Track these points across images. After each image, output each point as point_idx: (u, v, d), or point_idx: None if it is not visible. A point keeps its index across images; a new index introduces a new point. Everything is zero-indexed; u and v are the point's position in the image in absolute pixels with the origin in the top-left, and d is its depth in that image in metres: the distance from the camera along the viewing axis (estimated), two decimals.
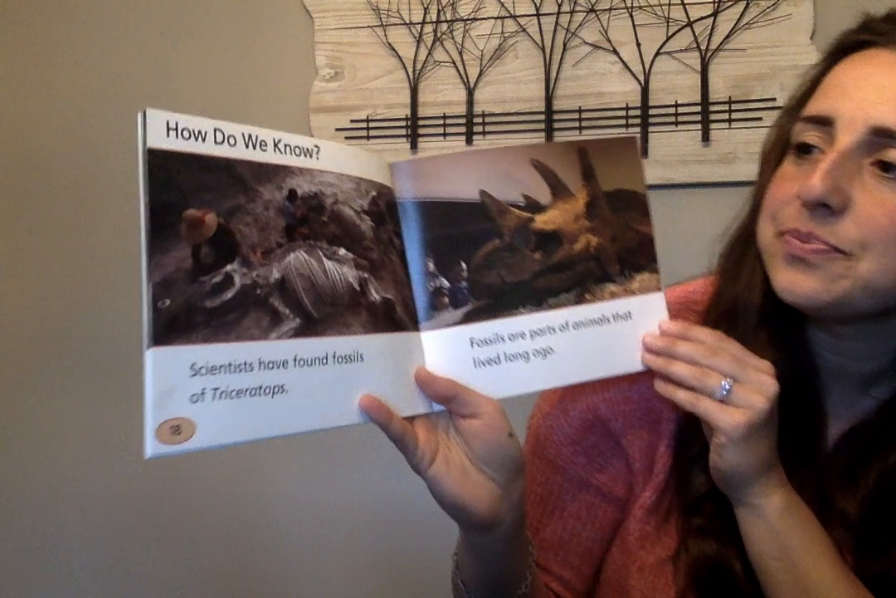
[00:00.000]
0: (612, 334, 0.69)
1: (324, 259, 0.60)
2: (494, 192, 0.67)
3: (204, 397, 0.52)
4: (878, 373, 0.74)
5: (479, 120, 1.58)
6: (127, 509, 1.70)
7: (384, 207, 0.64)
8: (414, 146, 1.60)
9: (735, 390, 0.64)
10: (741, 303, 0.74)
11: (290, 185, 0.59)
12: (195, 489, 1.67)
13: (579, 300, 0.69)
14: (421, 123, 1.60)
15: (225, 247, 0.55)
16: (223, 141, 0.56)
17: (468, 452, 0.64)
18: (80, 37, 1.73)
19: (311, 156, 0.61)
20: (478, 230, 0.66)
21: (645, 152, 1.52)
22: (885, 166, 0.65)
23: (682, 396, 0.66)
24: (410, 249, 0.65)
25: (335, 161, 0.62)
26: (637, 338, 0.70)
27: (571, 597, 0.80)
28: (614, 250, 0.71)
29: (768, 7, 1.48)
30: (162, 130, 0.54)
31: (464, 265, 0.66)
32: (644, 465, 0.78)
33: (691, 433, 0.74)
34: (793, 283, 0.67)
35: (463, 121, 1.59)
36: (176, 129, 0.54)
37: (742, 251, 0.76)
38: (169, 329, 0.51)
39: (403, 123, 1.61)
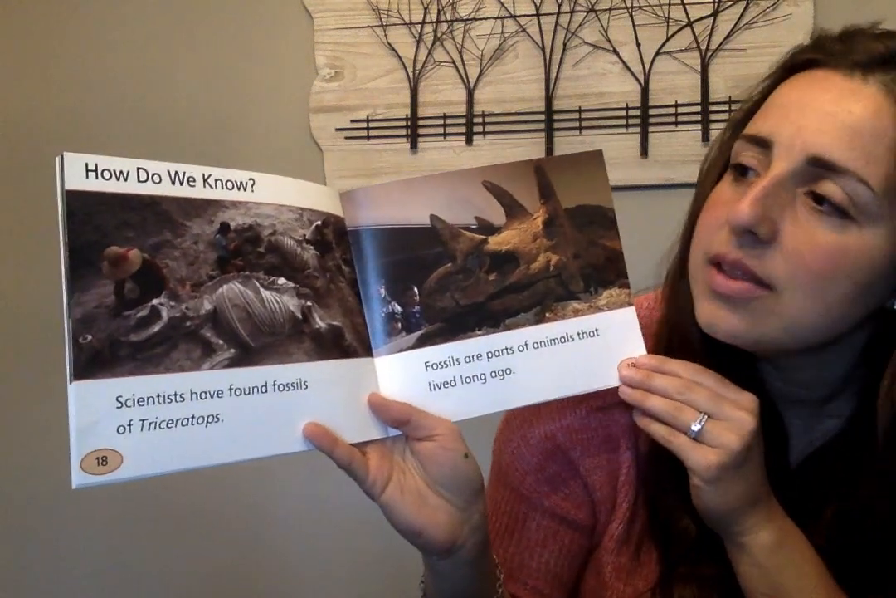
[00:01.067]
0: (579, 352, 0.69)
1: (261, 289, 0.60)
2: (446, 215, 0.67)
3: (131, 428, 0.54)
4: (829, 397, 0.72)
5: (479, 120, 1.58)
6: (127, 508, 1.70)
7: (332, 235, 0.65)
8: (414, 146, 1.60)
9: (708, 427, 0.63)
10: (681, 332, 0.71)
11: (222, 218, 0.59)
12: (195, 489, 1.67)
13: (539, 320, 0.68)
14: (421, 123, 1.60)
15: (150, 281, 0.56)
16: (147, 179, 0.57)
17: (424, 476, 0.63)
18: (80, 37, 1.74)
19: (244, 189, 0.61)
20: (429, 255, 0.67)
21: (645, 152, 1.52)
22: (818, 198, 0.62)
23: (657, 429, 0.65)
24: (362, 276, 0.65)
25: (273, 193, 0.62)
26: (608, 354, 0.69)
27: None
28: (577, 267, 0.70)
29: (768, 7, 1.48)
30: (80, 172, 0.54)
31: (416, 290, 0.66)
32: (606, 493, 0.76)
33: (653, 466, 0.73)
34: (714, 317, 0.66)
35: (463, 121, 1.58)
36: (96, 170, 0.55)
37: (676, 277, 0.73)
38: (91, 364, 0.52)
39: (403, 123, 1.61)
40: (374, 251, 0.65)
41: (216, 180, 0.60)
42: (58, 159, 0.54)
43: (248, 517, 1.68)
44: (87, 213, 0.54)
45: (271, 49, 1.67)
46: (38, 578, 1.75)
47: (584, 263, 0.70)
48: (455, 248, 0.68)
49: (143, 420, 0.54)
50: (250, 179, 0.61)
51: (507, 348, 0.67)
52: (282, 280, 0.61)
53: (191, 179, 0.59)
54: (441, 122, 1.60)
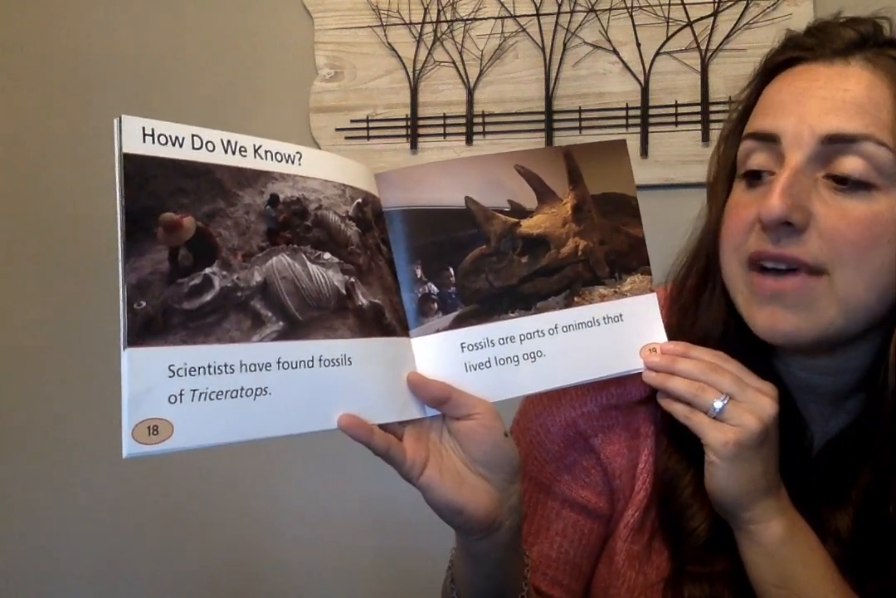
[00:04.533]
0: (604, 336, 0.70)
1: (308, 263, 0.60)
2: (480, 198, 0.68)
3: (182, 398, 0.53)
4: (847, 389, 0.73)
5: (479, 120, 1.58)
6: (126, 509, 1.70)
7: (370, 214, 0.65)
8: (414, 146, 1.60)
9: (729, 408, 0.64)
10: (703, 335, 0.73)
11: (272, 190, 0.59)
12: (195, 490, 1.67)
13: (568, 303, 0.69)
14: (421, 123, 1.60)
15: (204, 250, 0.55)
16: (201, 146, 0.57)
17: (463, 455, 0.63)
18: (80, 36, 1.73)
19: (293, 162, 0.61)
20: (464, 236, 0.67)
21: (645, 152, 1.52)
22: (839, 179, 0.64)
23: (677, 408, 0.66)
24: (398, 256, 0.65)
25: (318, 168, 0.62)
26: (631, 339, 0.70)
27: None
28: (603, 253, 0.71)
29: (768, 7, 1.48)
30: (138, 135, 0.54)
31: (451, 271, 0.66)
32: (625, 481, 0.77)
33: (670, 457, 0.74)
34: (773, 320, 0.66)
35: (463, 121, 1.58)
36: (152, 134, 0.55)
37: (700, 283, 0.74)
38: (145, 330, 0.52)
39: (403, 123, 1.60)
40: (410, 232, 0.65)
41: (266, 151, 0.60)
42: (116, 121, 0.53)
43: (248, 517, 1.68)
44: (144, 177, 0.53)
45: (271, 49, 1.66)
46: (38, 577, 1.74)
47: (610, 249, 0.71)
48: (489, 230, 0.68)
49: (194, 390, 0.53)
50: (298, 152, 0.61)
51: (538, 331, 0.68)
52: (327, 255, 0.61)
53: (242, 148, 0.58)
54: (441, 122, 1.60)
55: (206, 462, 1.65)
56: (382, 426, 0.61)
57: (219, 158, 0.57)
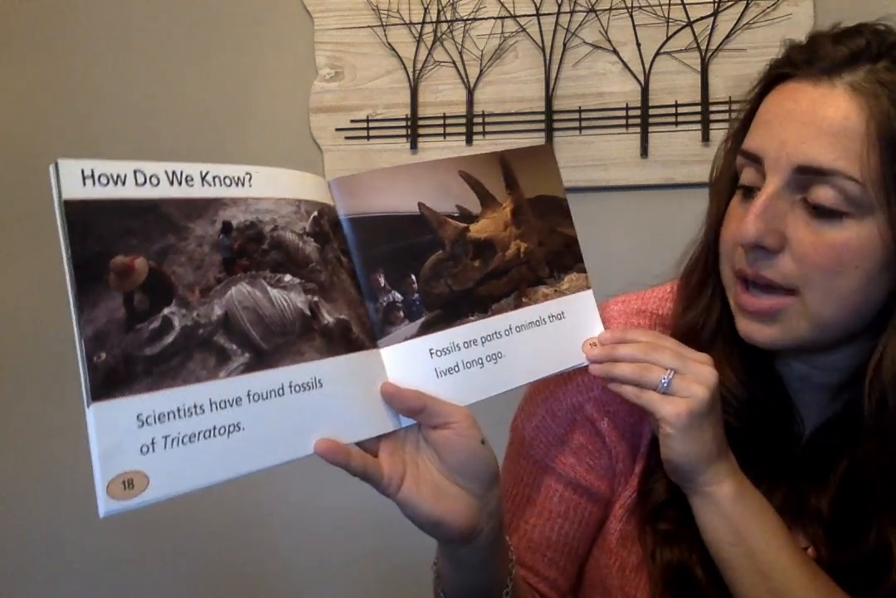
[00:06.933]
0: (550, 334, 0.72)
1: (268, 289, 0.58)
2: (431, 204, 0.68)
3: (154, 447, 0.51)
4: (841, 382, 0.75)
5: (479, 120, 1.58)
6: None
7: (328, 226, 0.63)
8: (414, 146, 1.60)
9: (676, 381, 0.67)
10: (699, 326, 0.77)
11: (224, 217, 0.57)
12: (195, 491, 1.67)
13: (518, 304, 0.71)
14: (421, 123, 1.60)
15: (160, 290, 0.53)
16: (145, 182, 0.54)
17: (440, 465, 0.63)
18: (80, 36, 1.73)
19: (242, 184, 0.59)
20: (421, 242, 0.67)
21: (645, 152, 1.52)
22: (813, 205, 0.67)
23: (626, 389, 0.69)
24: (359, 266, 0.65)
25: (270, 186, 0.60)
26: (573, 335, 0.73)
27: (556, 596, 0.81)
28: (542, 254, 0.74)
29: (768, 7, 1.47)
30: (77, 179, 0.51)
31: (413, 277, 0.66)
32: (626, 465, 0.79)
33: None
34: (751, 332, 0.72)
35: (463, 121, 1.58)
36: (92, 176, 0.52)
37: (700, 279, 0.78)
38: (108, 383, 0.50)
39: (403, 123, 1.61)
40: (368, 240, 0.65)
41: (214, 177, 0.57)
42: (52, 168, 0.51)
43: (247, 518, 1.68)
44: (88, 223, 0.51)
45: (271, 49, 1.66)
46: (38, 577, 1.75)
47: (548, 250, 0.74)
48: (443, 235, 0.69)
49: (165, 437, 0.52)
50: (247, 173, 0.59)
51: (496, 333, 0.69)
52: (287, 277, 0.60)
53: (188, 178, 0.56)
54: (441, 122, 1.60)
55: None
56: (358, 443, 0.61)
57: (165, 191, 0.55)
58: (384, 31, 1.61)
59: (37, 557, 1.74)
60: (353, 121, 1.62)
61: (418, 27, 1.59)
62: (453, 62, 1.58)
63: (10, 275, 1.76)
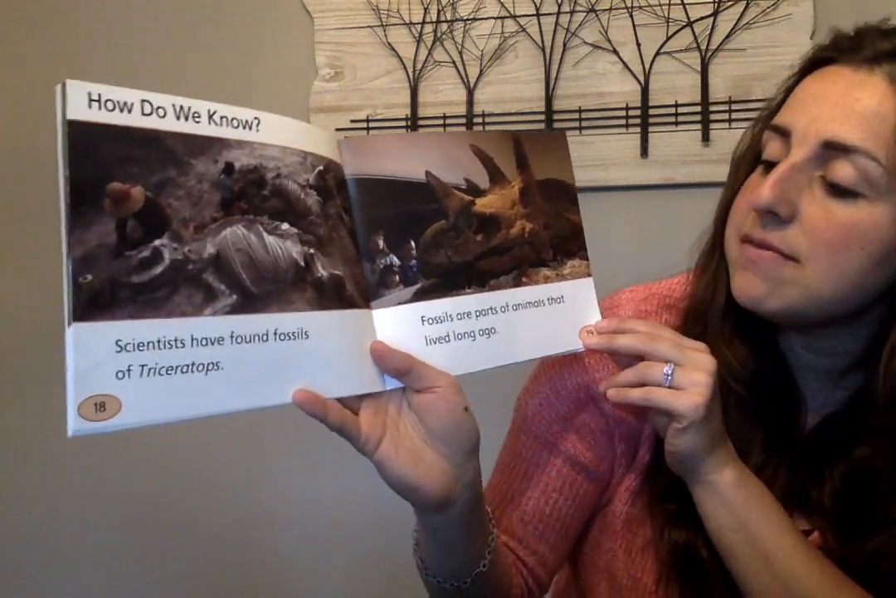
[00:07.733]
0: (547, 316, 0.72)
1: (264, 234, 0.58)
2: (439, 174, 0.68)
3: (130, 373, 0.51)
4: (846, 368, 0.76)
5: (479, 120, 1.58)
6: (126, 508, 1.70)
7: (332, 182, 0.62)
8: None
9: (678, 373, 0.67)
10: (706, 305, 0.77)
11: (227, 158, 0.57)
12: (194, 489, 1.67)
13: (517, 283, 0.71)
14: (421, 123, 1.60)
15: (154, 221, 0.53)
16: (151, 112, 0.53)
17: (421, 429, 0.64)
18: (80, 36, 1.74)
19: (250, 128, 0.58)
20: (425, 210, 0.67)
21: (645, 152, 1.52)
22: (830, 182, 0.68)
23: (634, 395, 0.69)
24: (360, 225, 0.64)
25: (278, 134, 0.60)
26: (571, 320, 0.73)
27: (543, 572, 0.81)
28: (547, 237, 0.74)
29: (768, 7, 1.48)
30: (83, 101, 0.51)
31: (413, 244, 0.66)
32: (628, 448, 0.79)
33: None
34: (743, 284, 0.71)
35: (463, 121, 1.59)
36: (99, 100, 0.51)
37: (710, 255, 0.79)
38: (91, 305, 0.50)
39: (403, 123, 1.61)
40: (371, 202, 0.65)
41: (221, 117, 0.57)
42: (58, 88, 0.50)
43: (247, 516, 1.68)
44: (90, 145, 0.51)
45: (271, 49, 1.67)
46: (38, 577, 1.74)
47: (553, 234, 0.74)
48: (448, 206, 0.68)
49: (142, 366, 0.51)
50: (255, 118, 0.59)
51: (492, 308, 0.69)
52: (285, 226, 0.59)
53: (196, 114, 0.56)
54: (441, 122, 1.60)
55: (207, 461, 1.65)
56: (339, 400, 0.60)
57: (170, 124, 0.54)
58: (384, 31, 1.61)
59: (37, 557, 1.74)
60: (353, 121, 1.62)
61: (418, 27, 1.59)
62: (453, 62, 1.59)
63: (10, 275, 1.76)
